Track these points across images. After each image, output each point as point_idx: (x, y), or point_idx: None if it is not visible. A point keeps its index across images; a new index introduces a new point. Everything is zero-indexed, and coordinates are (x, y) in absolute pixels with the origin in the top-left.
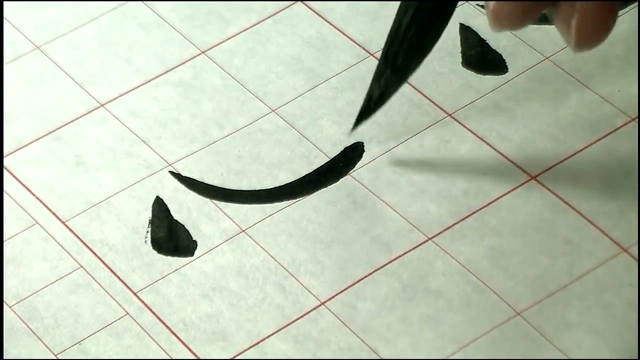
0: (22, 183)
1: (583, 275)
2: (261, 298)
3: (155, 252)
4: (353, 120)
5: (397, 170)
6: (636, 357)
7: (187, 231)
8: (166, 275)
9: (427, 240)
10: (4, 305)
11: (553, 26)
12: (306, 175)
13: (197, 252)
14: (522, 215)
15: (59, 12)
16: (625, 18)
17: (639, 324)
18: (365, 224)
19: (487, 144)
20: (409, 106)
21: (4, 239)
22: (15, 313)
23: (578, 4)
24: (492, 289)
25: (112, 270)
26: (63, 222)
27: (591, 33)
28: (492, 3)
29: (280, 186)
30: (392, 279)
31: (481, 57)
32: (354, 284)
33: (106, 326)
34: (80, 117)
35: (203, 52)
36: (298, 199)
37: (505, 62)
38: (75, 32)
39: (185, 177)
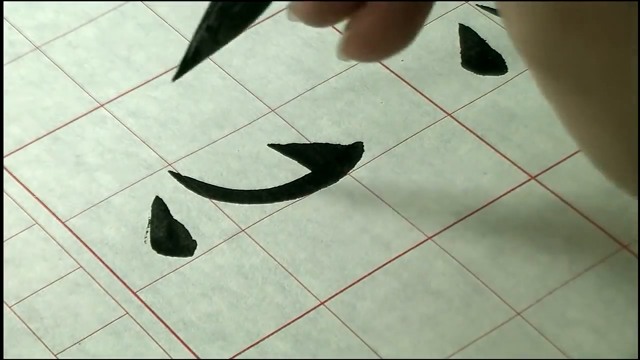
0: (22, 183)
1: (583, 272)
2: (261, 298)
3: (154, 252)
4: (353, 120)
5: (396, 170)
6: (636, 357)
7: (186, 231)
8: (166, 275)
9: (426, 240)
10: (4, 305)
11: None
12: (306, 175)
13: (196, 252)
14: (521, 215)
15: (59, 12)
16: None
17: (639, 321)
18: (364, 223)
19: (487, 143)
20: (409, 106)
21: (4, 239)
22: (15, 313)
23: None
24: (492, 289)
25: (111, 270)
26: (63, 222)
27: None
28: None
29: (279, 186)
30: (392, 279)
31: (481, 57)
32: (353, 283)
33: (106, 326)
34: (80, 117)
35: None
36: (298, 199)
37: (505, 62)
38: (75, 32)
39: (185, 177)
